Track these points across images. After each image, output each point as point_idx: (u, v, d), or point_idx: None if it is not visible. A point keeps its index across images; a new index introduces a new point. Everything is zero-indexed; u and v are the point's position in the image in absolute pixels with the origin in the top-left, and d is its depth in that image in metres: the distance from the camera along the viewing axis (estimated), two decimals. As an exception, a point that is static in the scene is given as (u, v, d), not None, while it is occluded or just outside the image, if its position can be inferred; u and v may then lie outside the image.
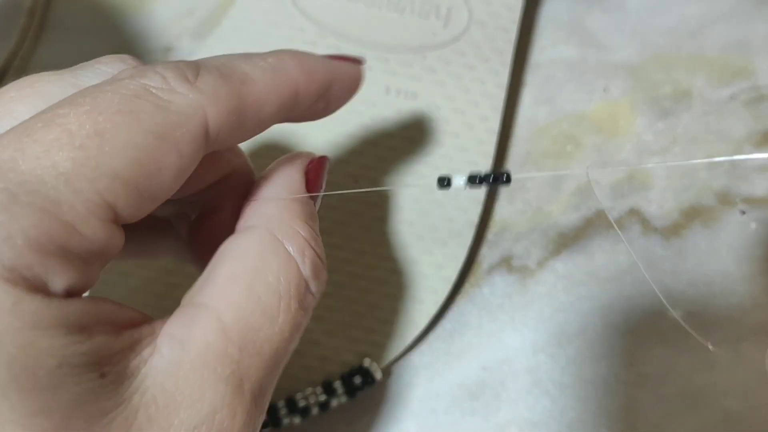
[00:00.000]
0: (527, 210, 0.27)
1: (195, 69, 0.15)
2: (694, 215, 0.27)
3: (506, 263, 0.27)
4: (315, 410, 0.23)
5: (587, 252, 0.27)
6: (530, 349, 0.26)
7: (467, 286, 0.26)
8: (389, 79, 0.26)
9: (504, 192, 0.27)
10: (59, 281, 0.13)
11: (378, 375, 0.24)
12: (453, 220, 0.25)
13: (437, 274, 0.25)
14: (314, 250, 0.16)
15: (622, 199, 0.27)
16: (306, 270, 0.16)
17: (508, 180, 0.17)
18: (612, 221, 0.27)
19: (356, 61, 0.19)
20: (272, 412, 0.23)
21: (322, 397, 0.24)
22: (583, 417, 0.25)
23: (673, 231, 0.27)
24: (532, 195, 0.27)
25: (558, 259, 0.27)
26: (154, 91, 0.14)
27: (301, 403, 0.23)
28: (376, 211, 0.25)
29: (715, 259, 0.27)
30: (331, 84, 0.18)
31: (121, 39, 0.30)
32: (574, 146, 0.28)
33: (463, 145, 0.25)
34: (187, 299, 0.15)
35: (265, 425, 0.23)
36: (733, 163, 0.28)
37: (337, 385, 0.24)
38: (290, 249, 0.16)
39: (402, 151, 0.25)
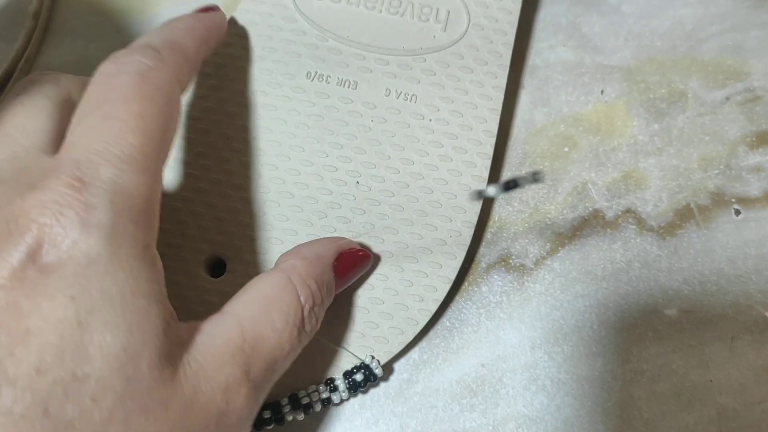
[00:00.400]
0: (525, 210, 0.28)
1: (155, 50, 0.21)
2: (689, 215, 0.27)
3: (504, 262, 0.27)
4: (318, 406, 0.24)
5: (584, 251, 0.27)
6: (528, 346, 0.26)
7: (466, 285, 0.27)
8: (389, 81, 0.26)
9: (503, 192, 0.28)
10: (153, 240, 0.18)
11: (379, 372, 0.24)
12: (452, 220, 0.25)
13: (436, 273, 0.25)
14: (313, 302, 0.21)
15: (618, 199, 0.28)
16: (306, 312, 0.21)
17: (539, 179, 0.20)
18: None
19: (213, 8, 0.25)
20: (276, 408, 0.23)
21: (325, 394, 0.24)
22: (579, 413, 0.25)
23: (668, 230, 0.27)
24: (530, 195, 0.28)
25: (555, 258, 0.27)
26: (149, 74, 0.20)
27: (304, 400, 0.24)
28: (378, 210, 0.25)
29: (709, 259, 0.27)
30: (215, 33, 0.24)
31: (125, 41, 0.30)
32: (570, 147, 0.28)
33: (461, 146, 0.26)
34: (223, 308, 0.20)
35: (268, 422, 0.23)
36: (727, 163, 0.28)
37: (339, 381, 0.24)
38: (300, 295, 0.21)
39: (402, 152, 0.26)
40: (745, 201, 0.28)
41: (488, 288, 0.27)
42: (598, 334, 0.26)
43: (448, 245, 0.25)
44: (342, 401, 0.25)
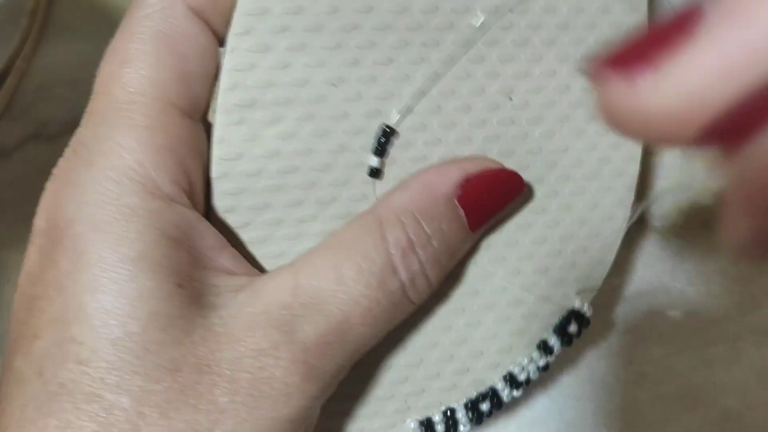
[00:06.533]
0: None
1: None
2: (693, 215, 0.27)
3: (506, 263, 0.27)
4: (535, 376, 0.21)
5: (586, 252, 0.27)
6: (529, 348, 0.26)
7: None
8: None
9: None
10: (166, 183, 0.16)
11: (589, 312, 0.22)
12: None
13: (606, 202, 0.22)
14: (410, 245, 0.17)
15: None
16: (398, 259, 0.16)
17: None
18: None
19: None
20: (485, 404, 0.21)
21: (541, 361, 0.21)
22: (581, 416, 0.25)
23: (672, 230, 0.27)
24: (532, 195, 0.28)
25: (557, 259, 0.27)
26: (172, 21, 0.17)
27: (521, 376, 0.21)
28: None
29: (713, 259, 0.27)
30: None
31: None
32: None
33: None
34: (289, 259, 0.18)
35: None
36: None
37: (553, 340, 0.21)
38: (388, 235, 0.17)
39: None
40: (750, 201, 0.27)
41: (490, 289, 0.27)
42: (600, 336, 0.26)
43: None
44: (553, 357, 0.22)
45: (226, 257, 0.17)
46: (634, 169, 0.22)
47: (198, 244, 0.17)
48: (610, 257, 0.22)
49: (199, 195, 0.18)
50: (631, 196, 0.22)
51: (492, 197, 0.19)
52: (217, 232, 0.17)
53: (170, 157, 0.17)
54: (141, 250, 0.15)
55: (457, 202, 0.18)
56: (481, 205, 0.18)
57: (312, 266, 0.16)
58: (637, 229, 0.27)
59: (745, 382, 0.25)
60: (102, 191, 0.16)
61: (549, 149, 0.21)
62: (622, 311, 0.26)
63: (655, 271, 0.27)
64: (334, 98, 0.18)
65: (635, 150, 0.22)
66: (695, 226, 0.27)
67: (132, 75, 0.17)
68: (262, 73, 0.18)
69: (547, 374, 0.25)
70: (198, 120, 0.18)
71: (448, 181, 0.18)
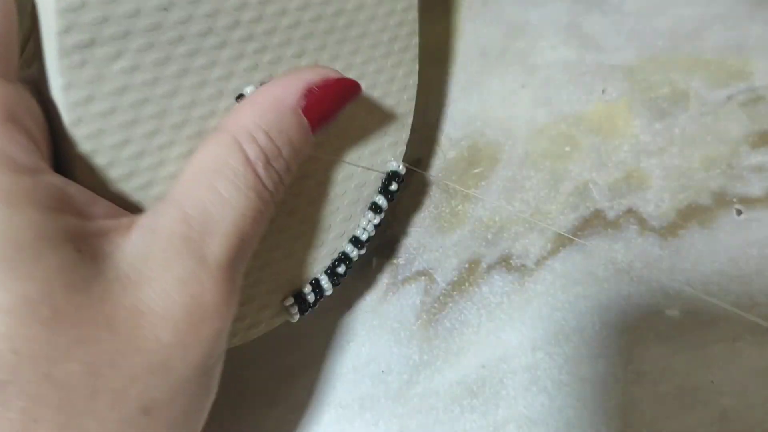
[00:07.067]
0: (526, 210, 0.27)
1: None
2: (691, 215, 0.27)
3: (505, 262, 0.27)
4: (373, 233, 0.25)
5: (585, 251, 0.27)
6: (529, 347, 0.26)
7: (467, 285, 0.27)
8: None
9: (503, 192, 0.28)
10: (23, 155, 0.16)
11: (402, 170, 0.25)
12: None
13: (399, 73, 0.25)
14: (267, 156, 0.18)
15: (619, 199, 0.27)
16: (261, 170, 0.18)
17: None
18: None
19: None
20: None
21: (376, 220, 0.24)
22: (580, 415, 0.25)
23: (670, 231, 0.27)
24: (531, 195, 0.28)
25: (556, 259, 0.27)
26: None
27: (363, 236, 0.24)
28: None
29: (711, 259, 0.27)
30: None
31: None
32: (572, 147, 0.28)
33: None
34: (164, 195, 0.18)
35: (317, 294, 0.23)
36: (729, 163, 0.28)
37: (381, 200, 0.24)
38: (247, 151, 0.18)
39: None
40: (747, 201, 0.27)
41: (489, 288, 0.27)
42: (599, 335, 0.26)
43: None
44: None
45: (102, 205, 0.17)
46: (414, 41, 0.25)
47: (74, 204, 0.17)
48: (409, 120, 0.25)
49: (47, 154, 0.17)
50: (416, 66, 0.25)
51: (332, 104, 0.20)
52: (81, 186, 0.17)
53: (14, 127, 0.16)
54: (34, 232, 0.15)
55: (301, 113, 0.19)
56: (323, 111, 0.20)
57: (192, 193, 0.17)
58: (633, 227, 0.27)
59: (744, 382, 0.25)
60: None
61: (352, 37, 0.23)
62: (619, 310, 0.26)
63: (654, 271, 0.27)
64: (167, 22, 0.19)
65: (412, 26, 0.24)
66: (693, 226, 0.27)
67: None
68: (94, 10, 0.18)
69: (547, 374, 0.25)
70: (15, 79, 0.17)
71: (293, 93, 0.19)
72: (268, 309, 0.23)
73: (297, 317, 0.23)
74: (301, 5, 0.21)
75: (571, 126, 0.28)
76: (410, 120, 0.25)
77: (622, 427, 0.25)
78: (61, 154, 0.19)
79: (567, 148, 0.28)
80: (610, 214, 0.27)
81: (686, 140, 0.28)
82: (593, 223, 0.27)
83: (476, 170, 0.28)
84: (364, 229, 0.24)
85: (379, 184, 0.25)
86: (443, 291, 0.27)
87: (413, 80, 0.25)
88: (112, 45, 0.18)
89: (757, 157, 0.28)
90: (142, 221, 0.17)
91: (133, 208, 0.19)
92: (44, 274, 0.15)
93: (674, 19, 0.30)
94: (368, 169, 0.24)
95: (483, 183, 0.28)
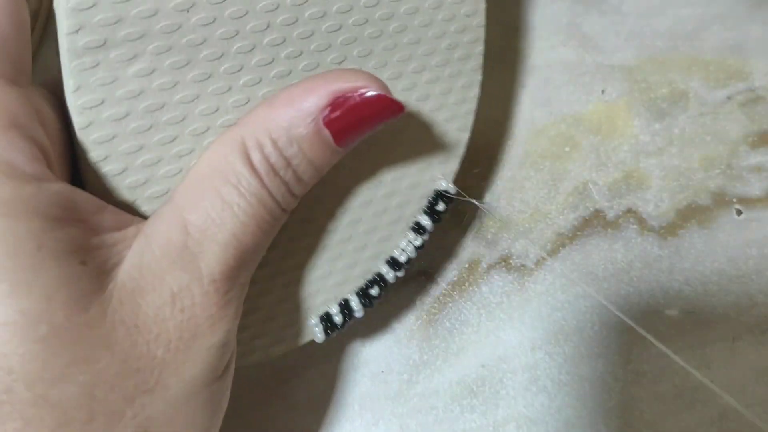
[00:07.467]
0: (526, 210, 0.28)
1: None
2: (690, 215, 0.27)
3: (505, 262, 0.27)
4: (414, 254, 0.23)
5: (584, 251, 0.27)
6: (528, 347, 0.26)
7: (466, 285, 0.27)
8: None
9: (503, 192, 0.28)
10: (26, 162, 0.15)
11: (452, 189, 0.23)
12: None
13: (458, 85, 0.23)
14: (271, 165, 0.17)
15: (619, 199, 0.27)
16: (266, 178, 0.17)
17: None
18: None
19: None
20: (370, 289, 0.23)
21: (417, 241, 0.23)
22: (580, 414, 0.25)
23: (669, 231, 0.27)
24: (530, 195, 0.28)
25: (556, 259, 0.27)
26: None
27: (402, 257, 0.23)
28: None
29: (711, 259, 0.27)
30: None
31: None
32: (571, 147, 0.28)
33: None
34: (170, 196, 0.17)
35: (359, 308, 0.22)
36: (729, 163, 0.28)
37: (425, 220, 0.23)
38: (254, 158, 0.17)
39: None
40: (747, 201, 0.27)
41: (489, 288, 0.27)
42: (599, 335, 0.26)
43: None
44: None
45: (109, 214, 0.17)
46: (479, 49, 0.23)
47: (80, 214, 0.16)
48: (466, 135, 0.23)
49: (56, 160, 0.17)
50: (479, 77, 0.23)
51: (364, 118, 0.18)
52: (90, 195, 0.17)
53: (17, 134, 0.15)
54: (36, 243, 0.14)
55: (321, 122, 0.17)
56: (351, 124, 0.17)
57: (193, 198, 0.17)
58: (633, 227, 0.27)
59: (743, 381, 0.25)
60: None
61: (404, 43, 0.21)
62: (619, 310, 0.26)
63: (653, 271, 0.27)
64: (189, 24, 0.18)
65: (478, 32, 0.23)
66: (692, 226, 0.27)
67: None
68: (106, 10, 0.17)
69: (546, 374, 0.25)
70: (26, 83, 0.17)
71: (314, 101, 0.17)
72: (292, 327, 0.22)
73: (322, 338, 0.22)
74: (344, 7, 0.20)
75: (571, 126, 0.28)
76: (467, 135, 0.23)
77: (621, 427, 0.25)
78: (75, 159, 0.18)
79: (566, 149, 0.28)
80: (610, 214, 0.27)
81: (685, 140, 0.28)
82: (593, 223, 0.27)
83: (476, 170, 0.28)
84: (403, 250, 0.23)
85: (424, 203, 0.23)
86: (443, 291, 0.27)
87: (474, 92, 0.23)
88: (128, 47, 0.17)
89: (757, 157, 0.28)
90: (144, 228, 0.17)
91: (148, 217, 0.18)
92: (44, 288, 0.14)
93: (673, 20, 0.30)
94: (415, 186, 0.22)
95: (483, 183, 0.28)
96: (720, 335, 0.26)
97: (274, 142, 0.17)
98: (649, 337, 0.25)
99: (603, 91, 0.29)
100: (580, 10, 0.30)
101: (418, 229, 0.23)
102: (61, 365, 0.14)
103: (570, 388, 0.25)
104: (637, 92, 0.29)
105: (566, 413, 0.25)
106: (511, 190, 0.28)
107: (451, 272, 0.27)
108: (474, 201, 0.26)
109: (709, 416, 0.25)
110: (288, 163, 0.17)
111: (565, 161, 0.28)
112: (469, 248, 0.27)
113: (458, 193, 0.23)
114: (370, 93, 0.17)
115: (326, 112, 0.17)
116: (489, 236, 0.27)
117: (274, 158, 0.17)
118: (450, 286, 0.27)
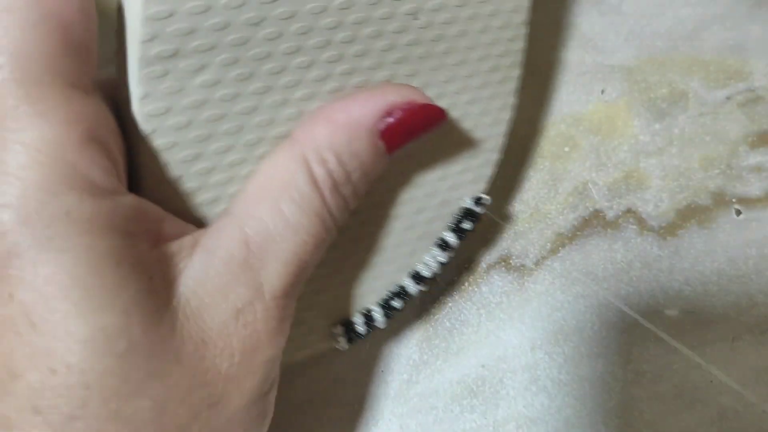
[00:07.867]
0: (525, 210, 0.28)
1: None
2: (690, 215, 0.27)
3: (504, 262, 0.27)
4: (438, 270, 0.23)
5: (584, 251, 0.27)
6: (528, 347, 0.26)
7: (466, 285, 0.27)
8: None
9: (502, 192, 0.28)
10: (103, 176, 0.15)
11: (479, 209, 0.23)
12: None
13: (493, 106, 0.23)
14: (334, 181, 0.17)
15: (619, 199, 0.28)
16: (328, 195, 0.17)
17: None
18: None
19: None
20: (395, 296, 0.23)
21: (442, 257, 0.23)
22: (580, 414, 0.25)
23: (669, 231, 0.27)
24: (530, 195, 0.28)
25: (555, 259, 0.27)
26: None
27: (426, 272, 0.23)
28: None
29: (710, 259, 0.27)
30: None
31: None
32: (571, 147, 0.28)
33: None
34: (228, 208, 0.17)
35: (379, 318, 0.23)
36: (728, 163, 0.28)
37: (451, 237, 0.23)
38: (315, 174, 0.17)
39: None
40: (746, 201, 0.27)
41: (488, 288, 0.27)
42: (598, 335, 0.26)
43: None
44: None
45: (170, 224, 0.17)
46: (516, 73, 0.23)
47: (148, 225, 0.16)
48: (495, 156, 0.24)
49: (123, 171, 0.17)
50: (513, 100, 0.24)
51: (413, 129, 0.19)
52: (153, 204, 0.17)
53: (95, 147, 0.15)
54: (115, 259, 0.14)
55: (378, 136, 0.18)
56: (402, 135, 0.19)
57: (254, 211, 0.17)
58: (632, 227, 0.27)
59: (743, 381, 0.25)
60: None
61: (449, 64, 0.22)
62: (619, 310, 0.26)
63: (653, 271, 0.27)
64: (256, 37, 0.18)
65: (517, 57, 0.23)
66: (692, 226, 0.27)
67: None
68: (182, 20, 0.17)
69: (546, 373, 0.25)
70: (93, 90, 0.16)
71: (372, 114, 0.18)
72: (315, 333, 0.22)
73: (345, 346, 0.23)
74: (398, 28, 0.20)
75: (571, 126, 0.29)
76: (496, 156, 0.24)
77: (621, 427, 0.25)
78: (132, 165, 0.18)
79: (566, 149, 0.28)
80: (610, 214, 0.27)
81: (685, 140, 0.28)
82: (592, 223, 0.27)
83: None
84: (428, 265, 0.23)
85: (450, 220, 0.24)
86: (443, 291, 0.27)
87: (507, 115, 0.24)
88: (197, 57, 0.17)
89: (756, 158, 0.28)
90: (203, 242, 0.17)
91: (196, 223, 0.19)
92: (123, 304, 0.14)
93: (673, 20, 0.30)
94: (444, 203, 0.23)
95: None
96: (720, 335, 0.26)
97: (338, 157, 0.17)
98: (656, 329, 0.25)
99: (603, 91, 0.29)
100: (580, 10, 0.30)
101: (444, 245, 0.23)
102: (137, 380, 0.14)
103: (570, 388, 0.25)
104: (636, 92, 0.29)
105: (566, 413, 0.25)
106: (510, 190, 0.28)
107: (451, 272, 0.27)
108: (498, 219, 0.26)
109: (709, 416, 0.25)
110: (348, 177, 0.18)
111: (565, 161, 0.28)
112: (469, 248, 0.27)
113: (486, 215, 0.24)
114: (418, 102, 0.18)
115: (381, 125, 0.18)
116: (489, 236, 0.27)
117: (336, 174, 0.17)
118: (450, 286, 0.27)
